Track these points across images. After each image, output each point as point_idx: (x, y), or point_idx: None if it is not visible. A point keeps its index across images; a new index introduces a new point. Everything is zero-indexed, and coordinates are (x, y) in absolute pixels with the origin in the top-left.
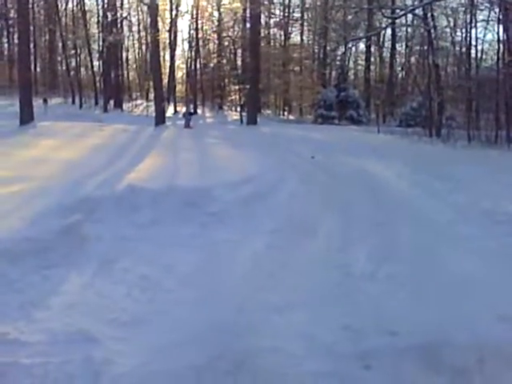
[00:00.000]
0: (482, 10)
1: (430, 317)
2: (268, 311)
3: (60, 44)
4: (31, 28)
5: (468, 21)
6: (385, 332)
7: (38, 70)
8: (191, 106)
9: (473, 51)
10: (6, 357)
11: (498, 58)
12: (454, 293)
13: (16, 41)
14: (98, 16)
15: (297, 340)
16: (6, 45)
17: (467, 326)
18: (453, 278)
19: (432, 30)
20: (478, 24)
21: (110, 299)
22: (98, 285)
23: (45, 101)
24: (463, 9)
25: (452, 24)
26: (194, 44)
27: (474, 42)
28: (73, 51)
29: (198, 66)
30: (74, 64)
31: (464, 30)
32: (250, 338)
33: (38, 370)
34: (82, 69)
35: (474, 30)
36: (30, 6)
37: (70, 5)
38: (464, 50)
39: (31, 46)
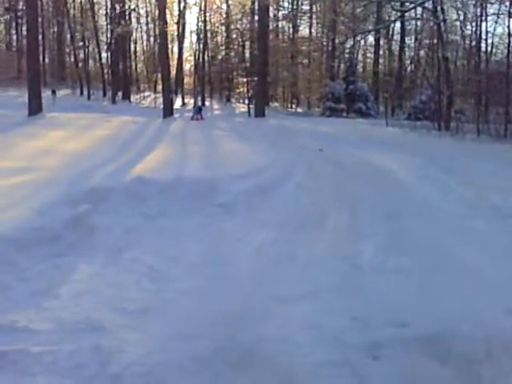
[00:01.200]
0: (492, 4)
1: (438, 309)
2: (275, 302)
3: (68, 36)
4: (40, 20)
5: (478, 14)
6: (393, 323)
7: (47, 61)
8: (199, 99)
9: (483, 45)
10: (15, 345)
11: (509, 52)
12: (463, 286)
13: (25, 32)
14: (106, 8)
15: (305, 330)
16: (14, 36)
17: (475, 318)
18: (461, 271)
19: (442, 24)
20: (489, 18)
21: (118, 288)
22: (106, 274)
23: (53, 92)
24: (473, 2)
25: (462, 17)
26: (202, 36)
27: (484, 36)
28: (81, 43)
29: (206, 58)
30: (82, 56)
31: (474, 24)
32: (258, 328)
33: (47, 357)
34: (91, 60)
35: (484, 24)
36: None
37: None
38: (474, 43)
39: (40, 37)
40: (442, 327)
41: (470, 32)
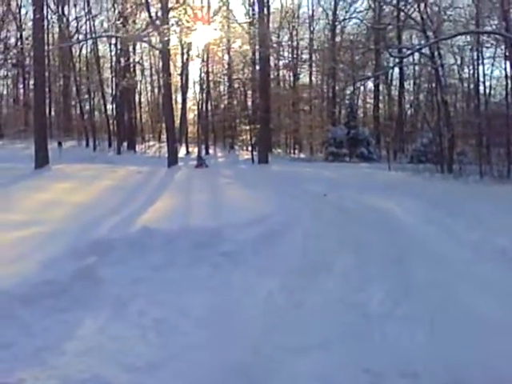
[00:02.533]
0: (488, 48)
1: (449, 357)
2: (284, 353)
3: (74, 89)
4: (46, 74)
5: (475, 58)
6: (404, 374)
7: (53, 114)
8: (203, 147)
9: (481, 87)
10: None
11: (507, 94)
12: (473, 333)
13: (32, 86)
14: (112, 61)
15: (315, 383)
16: (21, 90)
17: (487, 366)
18: (470, 318)
19: (439, 68)
20: (485, 61)
21: (124, 343)
22: (112, 329)
23: (59, 144)
24: (469, 47)
25: (459, 62)
26: (204, 86)
27: (481, 79)
28: (86, 95)
29: (209, 107)
30: (87, 108)
31: (471, 67)
32: (267, 382)
33: None
34: (96, 112)
35: (481, 67)
36: (46, 53)
37: (83, 51)
38: (472, 86)
39: (46, 91)
40: (454, 376)
41: (467, 75)
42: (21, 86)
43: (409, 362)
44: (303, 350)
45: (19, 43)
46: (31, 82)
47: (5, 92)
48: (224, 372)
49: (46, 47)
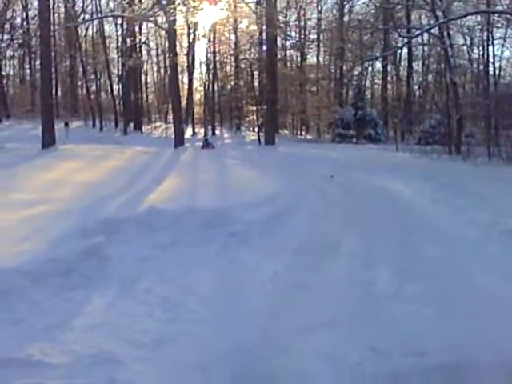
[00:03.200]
0: (498, 28)
1: (456, 336)
2: (291, 332)
3: (80, 69)
4: (52, 54)
5: (485, 38)
6: (411, 352)
7: (60, 94)
8: (209, 128)
9: (490, 68)
10: (31, 379)
11: None
12: (480, 312)
13: (38, 67)
14: (118, 41)
15: (322, 361)
16: (28, 71)
17: (495, 347)
18: (478, 298)
19: (449, 49)
20: (495, 41)
21: (132, 320)
22: (120, 306)
23: (66, 124)
24: (479, 27)
25: (469, 42)
26: (211, 67)
27: (491, 60)
28: (93, 76)
29: (215, 88)
30: (94, 88)
31: (481, 48)
32: (274, 360)
33: None
34: (102, 93)
35: (491, 48)
36: (52, 33)
37: (90, 31)
38: (482, 67)
39: (53, 71)
40: (461, 355)
41: (477, 56)
42: (27, 66)
43: (415, 340)
44: (310, 329)
45: (25, 23)
46: (37, 62)
47: (11, 72)
48: (230, 350)
49: (52, 27)
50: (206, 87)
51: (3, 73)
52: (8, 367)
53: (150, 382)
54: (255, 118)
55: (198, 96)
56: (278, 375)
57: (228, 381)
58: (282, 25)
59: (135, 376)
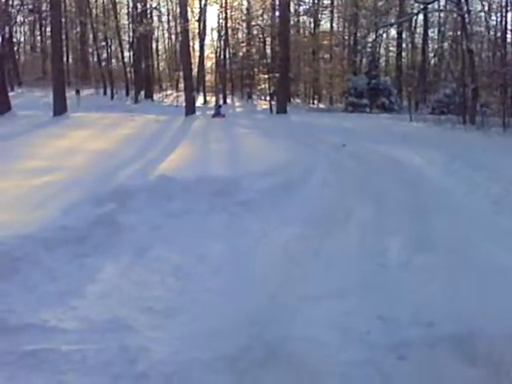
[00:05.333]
0: None
1: (465, 308)
2: (300, 300)
3: (91, 35)
4: (63, 20)
5: (503, 4)
6: (419, 323)
7: (70, 61)
8: (221, 96)
9: (508, 36)
10: (45, 343)
11: None
12: (490, 284)
13: (48, 33)
14: (128, 7)
15: (330, 329)
16: (38, 37)
17: (504, 318)
18: (489, 269)
19: (466, 15)
20: None
21: (144, 288)
22: (132, 273)
23: (77, 92)
24: None
25: (486, 8)
26: (223, 33)
27: (509, 27)
28: (104, 42)
29: (227, 55)
30: (105, 55)
31: (499, 15)
32: (283, 327)
33: (75, 356)
34: (113, 60)
35: (509, 14)
36: None
37: None
38: (499, 34)
39: (63, 38)
40: (470, 327)
41: (494, 23)
42: (38, 33)
43: (424, 311)
44: (319, 298)
45: None
46: (48, 29)
47: (22, 39)
48: (241, 317)
49: None
50: (218, 54)
51: (14, 39)
52: (24, 332)
53: (162, 349)
54: (267, 86)
55: (209, 63)
56: (287, 343)
57: (237, 348)
58: None
59: (147, 342)
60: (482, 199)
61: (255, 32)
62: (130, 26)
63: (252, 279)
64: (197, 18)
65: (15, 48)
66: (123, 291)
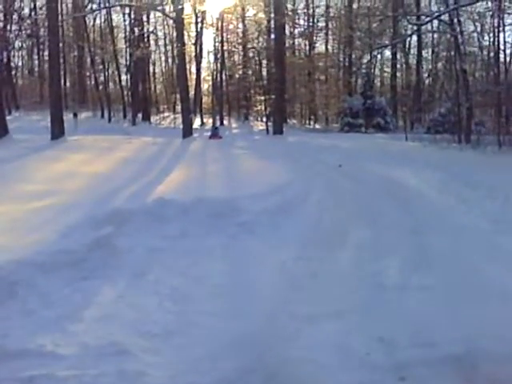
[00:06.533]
0: (509, 14)
1: (465, 328)
2: (299, 322)
3: (88, 59)
4: (61, 45)
5: (495, 25)
6: (419, 343)
7: (68, 85)
8: (217, 118)
9: (501, 56)
10: (42, 369)
11: None
12: (489, 304)
13: (46, 58)
14: (125, 31)
15: (330, 351)
16: (36, 62)
17: (504, 338)
18: (487, 289)
19: (459, 36)
20: (506, 28)
21: (142, 311)
22: (130, 297)
23: (75, 115)
24: (490, 13)
25: (479, 29)
26: (219, 56)
27: (502, 47)
28: (101, 66)
29: (223, 77)
30: (102, 78)
31: (492, 35)
32: (282, 350)
33: (72, 382)
34: (111, 83)
35: (501, 35)
36: (60, 23)
37: (97, 21)
38: (492, 54)
39: (61, 62)
40: (470, 347)
41: (487, 43)
42: (35, 57)
43: (423, 331)
44: (318, 319)
45: (33, 13)
46: (46, 53)
47: (20, 63)
48: (240, 340)
49: (59, 17)
50: (214, 77)
51: (12, 64)
52: (20, 358)
53: (160, 373)
54: (263, 107)
55: (206, 86)
56: (287, 365)
57: (237, 371)
58: (290, 12)
59: (145, 367)
60: (481, 218)
61: (251, 54)
62: (127, 49)
63: (251, 301)
64: (193, 41)
65: (13, 72)
66: (121, 315)
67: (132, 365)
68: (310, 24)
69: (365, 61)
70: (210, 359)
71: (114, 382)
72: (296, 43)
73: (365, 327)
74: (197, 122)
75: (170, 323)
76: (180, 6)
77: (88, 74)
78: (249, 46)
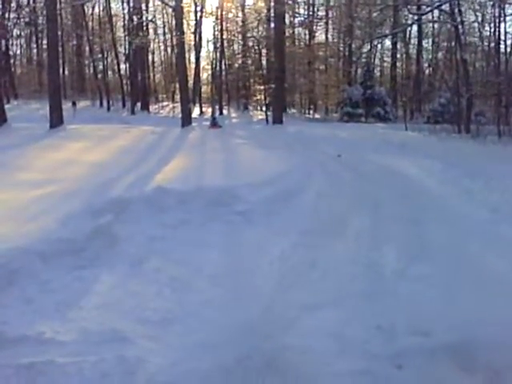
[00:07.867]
0: (510, 4)
1: (463, 316)
2: (297, 310)
3: (87, 48)
4: (59, 33)
5: (496, 15)
6: (417, 332)
7: (67, 73)
8: (217, 107)
9: (502, 46)
10: (42, 356)
11: None
12: (487, 292)
13: (45, 46)
14: (124, 20)
15: (327, 339)
16: (35, 50)
17: (501, 326)
18: (486, 278)
19: (459, 26)
20: (507, 18)
21: (141, 299)
22: (129, 285)
23: (73, 104)
24: (491, 3)
25: (480, 19)
26: (218, 45)
27: (502, 37)
28: (100, 55)
29: (223, 66)
30: (101, 67)
31: (492, 25)
32: (281, 337)
33: (72, 368)
34: (109, 72)
35: (502, 25)
36: (58, 12)
37: (96, 9)
38: (493, 44)
39: (60, 50)
40: (467, 335)
41: (488, 33)
42: (34, 45)
43: (421, 320)
44: (315, 308)
45: (31, 1)
46: (44, 41)
47: (18, 52)
48: (238, 327)
49: (58, 5)
50: (214, 66)
51: (10, 52)
52: (20, 345)
53: (160, 360)
54: (263, 97)
55: (205, 75)
56: (284, 353)
57: (234, 359)
58: (289, 1)
59: (144, 353)
60: (479, 208)
61: (251, 43)
62: (126, 38)
63: (249, 289)
64: (192, 30)
65: (11, 61)
66: (120, 303)
67: (131, 351)
68: (310, 13)
69: (365, 50)
70: (209, 346)
71: (113, 368)
72: (296, 32)
73: (363, 315)
74: (196, 112)
75: (168, 311)
76: None
77: (87, 62)
78: (248, 35)
